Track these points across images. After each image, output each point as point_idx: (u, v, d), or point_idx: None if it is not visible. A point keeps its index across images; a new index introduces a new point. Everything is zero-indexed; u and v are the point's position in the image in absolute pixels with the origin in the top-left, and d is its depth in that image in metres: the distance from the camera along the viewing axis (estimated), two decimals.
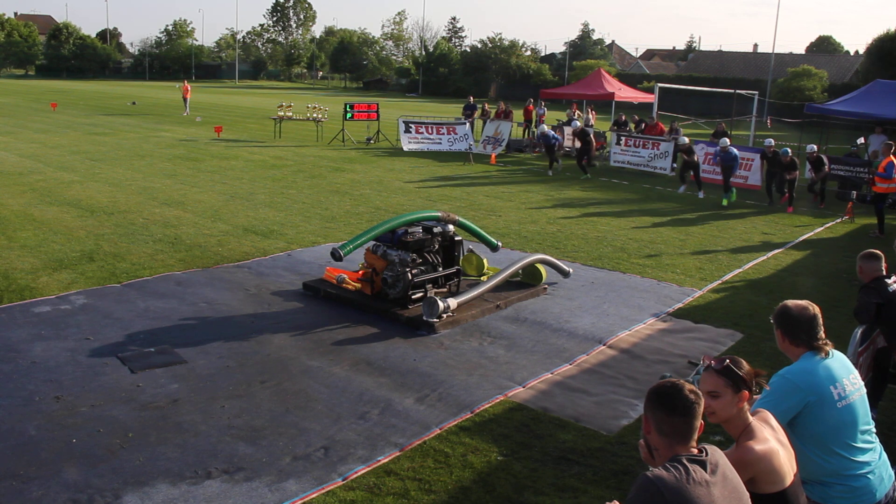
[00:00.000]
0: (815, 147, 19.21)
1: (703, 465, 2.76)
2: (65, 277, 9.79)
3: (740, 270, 11.51)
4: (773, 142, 19.08)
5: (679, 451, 2.80)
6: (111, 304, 8.80)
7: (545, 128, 23.70)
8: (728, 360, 3.29)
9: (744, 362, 3.31)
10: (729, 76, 59.41)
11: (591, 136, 22.98)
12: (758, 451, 3.15)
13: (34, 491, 4.99)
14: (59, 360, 7.13)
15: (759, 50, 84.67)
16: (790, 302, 3.94)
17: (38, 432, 5.77)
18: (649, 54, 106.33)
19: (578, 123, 23.75)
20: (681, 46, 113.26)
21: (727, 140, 18.79)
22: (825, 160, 18.61)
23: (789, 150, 17.85)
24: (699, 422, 2.83)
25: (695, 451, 2.83)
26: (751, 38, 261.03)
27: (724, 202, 17.92)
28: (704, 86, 37.62)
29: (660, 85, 27.33)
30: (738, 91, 29.02)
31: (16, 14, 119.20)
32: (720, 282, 10.83)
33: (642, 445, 3.00)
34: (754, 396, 3.45)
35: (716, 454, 2.86)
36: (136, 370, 6.94)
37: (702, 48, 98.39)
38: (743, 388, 3.24)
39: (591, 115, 29.81)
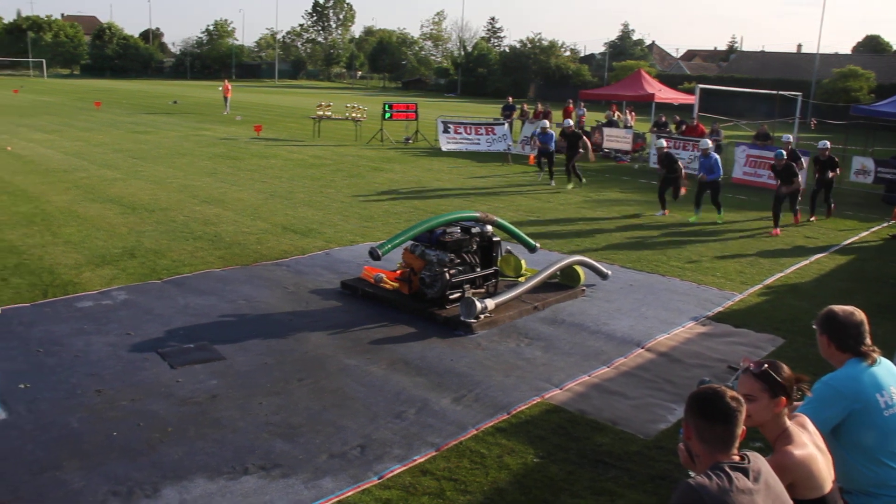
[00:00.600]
0: (827, 144, 16.65)
1: (745, 472, 2.71)
2: (107, 273, 9.94)
3: (782, 274, 11.34)
4: (790, 137, 17.56)
5: (721, 459, 2.76)
6: (152, 300, 8.91)
7: (547, 124, 20.65)
8: (767, 365, 3.23)
9: (785, 367, 3.25)
10: (772, 77, 58.47)
11: (584, 139, 19.85)
12: (797, 455, 3.09)
13: (76, 482, 5.06)
14: (101, 354, 7.23)
15: (804, 50, 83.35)
16: (836, 307, 3.86)
17: (80, 425, 5.86)
18: (690, 55, 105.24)
19: (570, 122, 20.48)
20: (722, 47, 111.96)
21: (708, 142, 15.76)
22: (837, 163, 16.58)
23: (784, 153, 15.07)
24: (741, 429, 2.78)
25: (737, 458, 2.78)
26: (794, 38, 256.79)
27: (692, 218, 15.33)
28: (746, 87, 37.11)
29: (700, 86, 27.04)
30: (780, 92, 28.62)
31: (62, 15, 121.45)
32: (761, 286, 10.68)
33: (681, 450, 2.96)
34: (795, 403, 3.38)
35: (758, 461, 2.81)
36: (175, 366, 7.02)
37: (744, 49, 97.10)
38: (780, 393, 3.18)
39: (630, 116, 29.60)
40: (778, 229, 14.47)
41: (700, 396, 2.82)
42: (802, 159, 17.22)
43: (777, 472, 2.88)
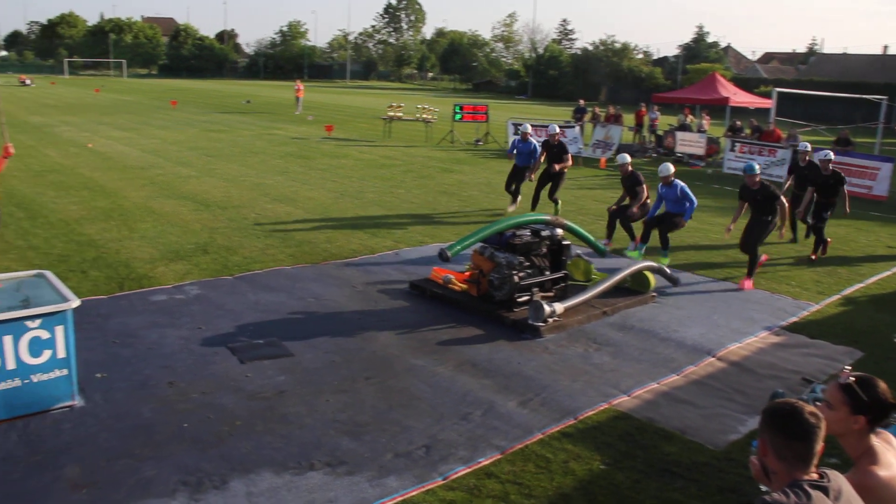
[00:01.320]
0: (830, 154, 13.07)
1: (825, 491, 2.61)
2: (180, 268, 10.15)
3: (862, 285, 10.97)
4: (808, 146, 14.14)
5: (798, 476, 2.66)
6: (223, 295, 9.07)
7: (528, 126, 15.85)
8: (855, 378, 3.10)
9: (881, 387, 3.07)
10: (854, 80, 56.78)
11: (569, 155, 15.03)
12: (882, 477, 2.96)
13: (148, 470, 5.18)
14: (174, 347, 7.38)
15: (890, 52, 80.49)
16: None
17: (153, 415, 5.99)
18: (767, 57, 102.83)
19: (556, 128, 15.59)
20: (801, 49, 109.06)
21: (670, 167, 11.65)
22: (845, 179, 12.75)
23: (756, 167, 10.88)
24: (820, 445, 2.68)
25: (815, 475, 2.68)
26: (880, 39, 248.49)
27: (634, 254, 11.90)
28: (827, 90, 36.13)
29: (778, 90, 26.41)
30: (864, 96, 27.78)
31: (142, 17, 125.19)
32: (839, 296, 10.35)
33: (753, 463, 2.86)
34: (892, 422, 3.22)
35: (838, 480, 2.70)
36: (244, 361, 7.12)
37: (824, 51, 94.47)
38: (862, 411, 3.04)
39: (704, 120, 29.09)
40: (751, 281, 10.66)
41: (777, 412, 2.72)
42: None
43: (859, 493, 2.77)
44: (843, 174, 12.85)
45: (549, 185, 14.90)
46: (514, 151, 15.43)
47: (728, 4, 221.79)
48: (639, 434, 6.12)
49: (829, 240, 12.83)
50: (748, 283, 10.53)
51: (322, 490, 5.06)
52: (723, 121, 30.60)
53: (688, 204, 11.47)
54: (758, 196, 10.66)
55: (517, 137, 15.60)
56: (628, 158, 12.55)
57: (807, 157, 13.53)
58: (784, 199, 10.63)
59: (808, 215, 12.85)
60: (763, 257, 11.21)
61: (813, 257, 12.47)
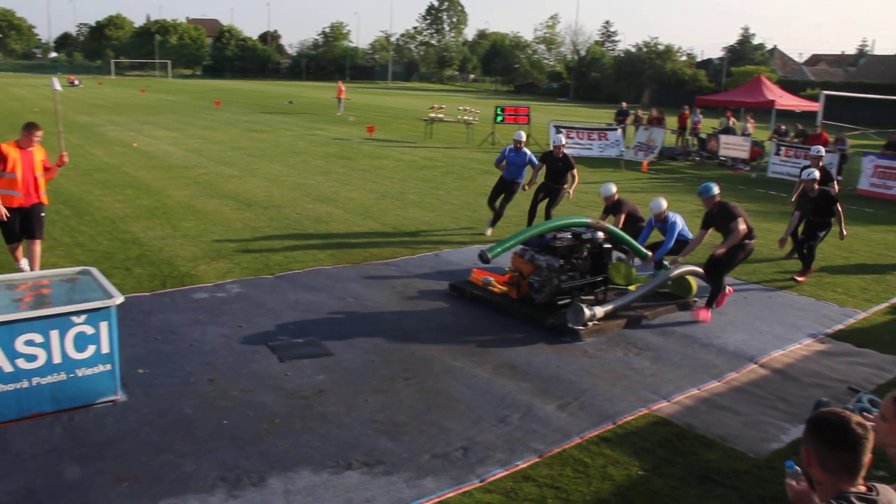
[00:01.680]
0: (814, 173, 11.40)
1: None
2: (222, 267, 10.25)
3: None
4: (822, 150, 13.19)
5: (845, 489, 2.59)
6: (264, 294, 9.14)
7: (522, 135, 13.47)
8: None
9: None
10: None
11: (574, 171, 13.12)
12: None
13: (188, 466, 5.23)
14: (215, 344, 7.46)
15: None
16: None
17: (193, 411, 6.05)
18: (814, 60, 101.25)
19: (562, 140, 13.57)
20: (850, 51, 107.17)
21: (662, 204, 10.17)
22: (837, 198, 11.26)
23: (714, 188, 9.30)
24: (868, 457, 2.61)
25: (863, 488, 2.61)
26: None
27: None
28: (877, 93, 35.41)
29: (825, 92, 25.96)
30: None
31: (187, 18, 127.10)
32: (888, 304, 10.13)
33: (790, 485, 2.80)
34: None
35: (888, 494, 2.63)
36: (284, 359, 7.17)
37: (875, 52, 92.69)
38: None
39: (749, 124, 28.70)
40: (707, 311, 9.12)
41: (823, 422, 2.65)
42: (834, 184, 12.69)
43: None
44: (833, 193, 11.47)
45: (546, 200, 13.24)
46: (503, 162, 13.36)
47: (774, 6, 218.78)
48: (678, 440, 6.05)
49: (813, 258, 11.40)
50: (704, 313, 9.05)
51: (359, 489, 5.07)
52: (768, 124, 30.15)
53: (666, 241, 10.12)
54: (717, 219, 9.30)
55: (509, 146, 13.48)
56: (613, 189, 11.18)
57: (820, 164, 12.64)
58: (741, 223, 9.02)
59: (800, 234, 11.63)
60: (728, 290, 9.74)
61: (800, 279, 11.03)
